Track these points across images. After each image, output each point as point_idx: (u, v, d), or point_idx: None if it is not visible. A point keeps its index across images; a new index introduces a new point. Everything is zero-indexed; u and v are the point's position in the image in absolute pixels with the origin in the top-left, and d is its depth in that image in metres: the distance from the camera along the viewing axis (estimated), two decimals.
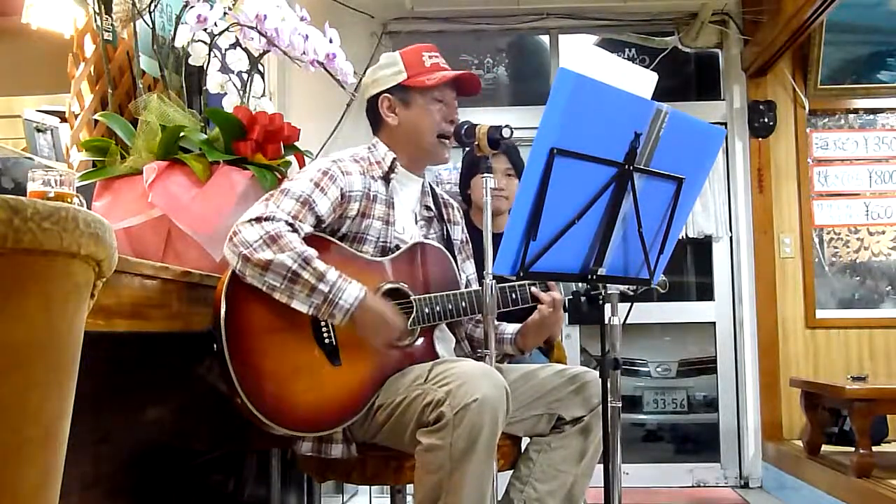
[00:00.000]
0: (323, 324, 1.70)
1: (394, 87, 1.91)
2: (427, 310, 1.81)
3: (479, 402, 1.55)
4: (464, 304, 1.84)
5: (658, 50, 4.56)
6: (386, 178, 1.89)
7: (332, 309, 1.62)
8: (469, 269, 2.08)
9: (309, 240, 1.69)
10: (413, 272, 1.85)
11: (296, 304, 1.62)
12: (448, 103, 1.92)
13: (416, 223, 1.97)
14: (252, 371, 1.60)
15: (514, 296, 1.92)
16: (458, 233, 2.08)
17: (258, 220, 1.64)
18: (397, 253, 1.85)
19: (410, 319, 1.79)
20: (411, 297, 1.81)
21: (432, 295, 1.83)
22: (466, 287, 1.99)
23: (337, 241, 1.78)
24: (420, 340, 1.83)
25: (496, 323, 1.82)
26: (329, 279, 1.62)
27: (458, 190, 2.88)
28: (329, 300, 1.61)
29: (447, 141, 1.90)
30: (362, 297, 1.64)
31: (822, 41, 4.29)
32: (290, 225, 1.66)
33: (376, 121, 1.96)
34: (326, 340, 1.70)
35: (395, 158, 1.89)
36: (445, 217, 2.04)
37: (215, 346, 1.59)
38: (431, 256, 1.91)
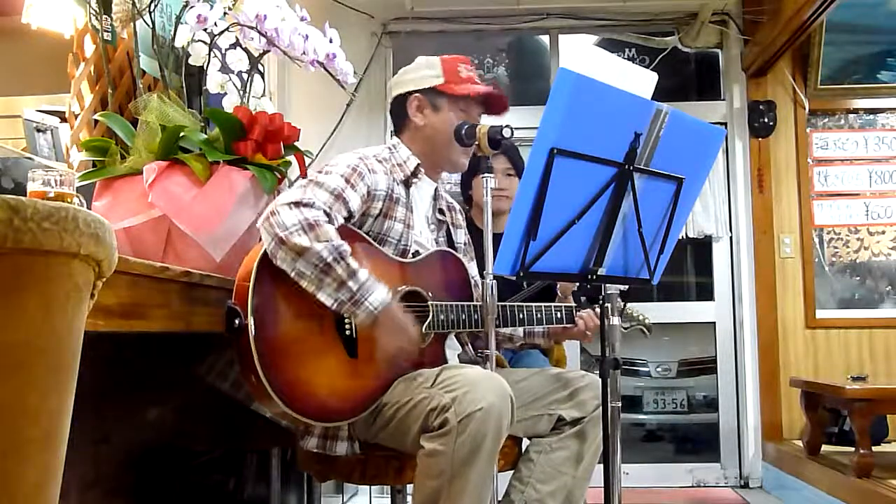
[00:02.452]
0: (346, 315, 1.70)
1: (427, 89, 1.93)
2: (442, 317, 1.83)
3: (485, 410, 1.55)
4: (476, 315, 1.86)
5: (658, 50, 4.56)
6: (407, 183, 1.90)
7: (356, 308, 1.63)
8: (472, 270, 2.10)
9: (339, 230, 1.70)
10: (432, 278, 1.87)
11: (321, 296, 1.62)
12: (472, 117, 1.94)
13: (429, 227, 1.99)
14: (272, 351, 1.60)
15: (520, 315, 1.94)
16: (462, 236, 2.10)
17: (297, 204, 1.64)
18: (420, 257, 1.87)
19: (426, 324, 1.80)
20: (429, 303, 1.82)
21: (449, 303, 1.84)
22: (474, 287, 2.02)
23: (365, 236, 1.79)
24: (432, 344, 1.84)
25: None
26: (360, 278, 1.63)
27: (460, 190, 2.88)
28: (355, 299, 1.63)
29: (467, 150, 1.92)
30: (388, 301, 1.66)
31: (822, 41, 4.28)
32: (328, 215, 1.67)
33: (400, 121, 1.97)
34: (347, 332, 1.70)
35: (419, 164, 1.91)
36: (450, 220, 2.06)
37: (237, 321, 1.58)
38: (450, 265, 1.94)
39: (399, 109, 1.97)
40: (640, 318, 2.14)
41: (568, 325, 1.99)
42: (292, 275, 1.62)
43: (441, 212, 2.04)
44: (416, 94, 1.93)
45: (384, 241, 1.83)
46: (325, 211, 1.67)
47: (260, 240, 1.68)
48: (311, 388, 1.66)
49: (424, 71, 1.94)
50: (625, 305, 2.03)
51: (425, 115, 1.93)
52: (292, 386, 1.63)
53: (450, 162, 1.96)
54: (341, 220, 1.72)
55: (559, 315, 1.97)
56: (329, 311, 1.68)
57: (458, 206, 2.14)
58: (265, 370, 1.58)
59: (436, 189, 2.02)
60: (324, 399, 1.67)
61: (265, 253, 1.64)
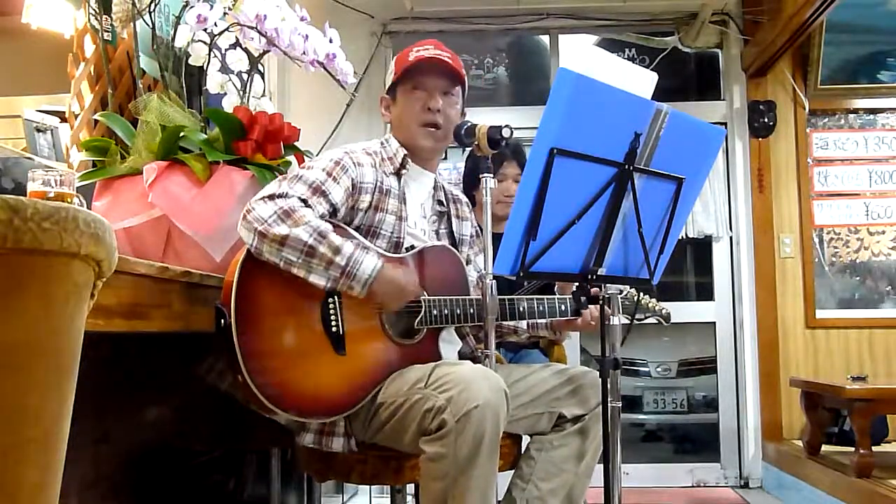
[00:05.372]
0: (332, 311, 1.70)
1: (389, 87, 1.97)
2: (435, 311, 1.82)
3: (481, 407, 1.55)
4: (471, 310, 1.85)
5: (658, 50, 4.56)
6: (398, 174, 1.90)
7: (351, 281, 1.64)
8: (480, 262, 2.09)
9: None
10: (424, 272, 1.86)
11: (313, 279, 1.63)
12: (427, 89, 1.91)
13: (427, 218, 1.98)
14: (257, 350, 1.61)
15: (520, 308, 1.93)
16: (467, 228, 2.08)
17: (271, 197, 1.66)
18: (411, 252, 1.86)
19: (418, 319, 1.80)
20: (421, 298, 1.81)
21: (442, 298, 1.83)
22: (478, 281, 2.01)
23: (353, 232, 1.79)
24: (425, 340, 1.83)
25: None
26: (346, 252, 1.64)
27: (462, 191, 2.87)
28: (347, 272, 1.63)
29: (431, 130, 1.90)
30: (380, 267, 1.67)
31: (822, 41, 4.29)
32: (303, 202, 1.68)
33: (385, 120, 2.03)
34: (334, 329, 1.70)
35: (406, 154, 1.91)
36: (454, 213, 2.05)
37: (222, 321, 1.59)
38: (444, 258, 1.92)
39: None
40: (657, 308, 2.14)
41: (572, 318, 1.98)
42: (281, 265, 1.62)
43: (441, 202, 2.03)
44: (383, 97, 2.00)
45: (376, 234, 1.82)
46: (299, 198, 1.68)
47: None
48: (299, 387, 1.65)
49: (388, 74, 2.00)
50: (639, 297, 2.04)
51: (390, 112, 1.98)
52: (279, 385, 1.62)
53: (416, 146, 1.93)
54: (322, 211, 1.72)
55: (563, 307, 1.96)
56: (315, 310, 1.68)
57: (464, 199, 2.13)
58: (249, 370, 1.58)
59: (435, 180, 2.02)
60: (312, 397, 1.67)
61: (247, 255, 1.64)
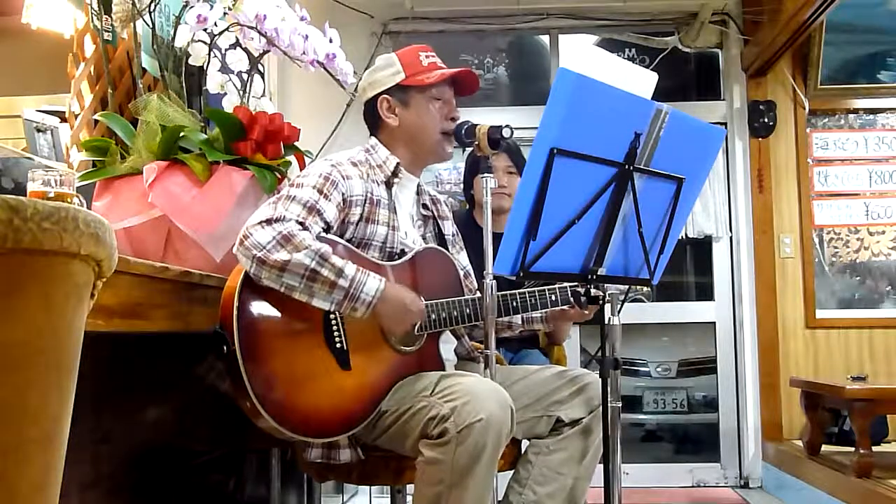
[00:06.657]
0: (335, 328, 1.69)
1: (392, 88, 1.90)
2: (434, 316, 1.81)
3: (484, 421, 1.55)
4: (468, 310, 1.85)
5: (658, 50, 4.56)
6: (388, 183, 1.88)
7: (354, 303, 1.63)
8: (463, 260, 2.08)
9: (319, 241, 1.69)
10: (419, 278, 1.85)
11: (316, 302, 1.61)
12: (447, 101, 1.92)
13: (414, 225, 1.97)
14: (264, 374, 1.59)
15: (514, 304, 1.93)
16: (449, 227, 2.08)
17: (268, 221, 1.62)
18: (404, 258, 1.85)
19: (418, 325, 1.79)
20: None
21: (439, 301, 1.83)
22: (465, 278, 2.01)
23: (346, 244, 1.78)
24: (426, 345, 1.83)
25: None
26: (348, 274, 1.62)
27: (462, 190, 2.88)
28: (350, 295, 1.62)
29: (450, 138, 1.89)
30: (382, 288, 1.65)
31: (822, 41, 4.28)
32: (301, 224, 1.65)
33: (375, 123, 1.95)
34: (338, 345, 1.69)
35: (398, 163, 1.89)
36: (436, 213, 2.05)
37: (225, 347, 1.57)
38: (436, 262, 1.92)
39: (372, 113, 1.94)
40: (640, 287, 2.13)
41: (565, 308, 1.98)
42: (282, 290, 1.60)
43: (425, 206, 2.02)
44: (384, 96, 1.91)
45: (368, 246, 1.81)
46: (297, 221, 1.64)
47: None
48: (308, 407, 1.65)
49: (385, 71, 1.91)
50: (622, 304, 2.03)
51: (398, 115, 1.90)
52: (288, 407, 1.61)
53: (434, 153, 1.93)
54: (318, 230, 1.69)
55: (553, 297, 1.96)
56: (318, 327, 1.67)
57: (441, 198, 2.12)
58: (259, 396, 1.57)
59: (418, 185, 2.00)
60: (322, 416, 1.66)
61: (246, 276, 1.61)
